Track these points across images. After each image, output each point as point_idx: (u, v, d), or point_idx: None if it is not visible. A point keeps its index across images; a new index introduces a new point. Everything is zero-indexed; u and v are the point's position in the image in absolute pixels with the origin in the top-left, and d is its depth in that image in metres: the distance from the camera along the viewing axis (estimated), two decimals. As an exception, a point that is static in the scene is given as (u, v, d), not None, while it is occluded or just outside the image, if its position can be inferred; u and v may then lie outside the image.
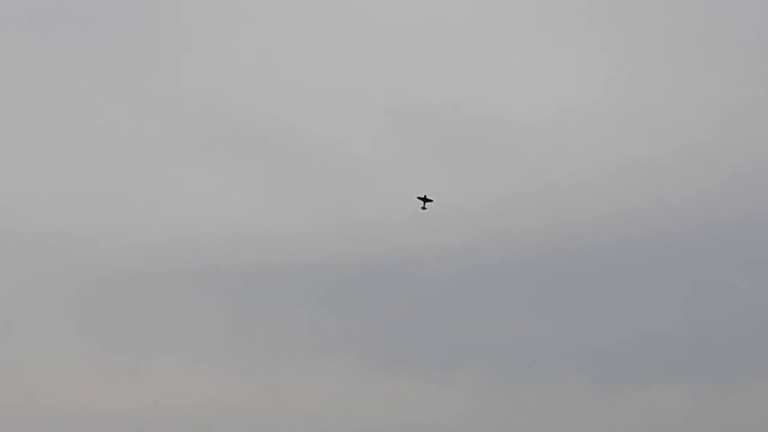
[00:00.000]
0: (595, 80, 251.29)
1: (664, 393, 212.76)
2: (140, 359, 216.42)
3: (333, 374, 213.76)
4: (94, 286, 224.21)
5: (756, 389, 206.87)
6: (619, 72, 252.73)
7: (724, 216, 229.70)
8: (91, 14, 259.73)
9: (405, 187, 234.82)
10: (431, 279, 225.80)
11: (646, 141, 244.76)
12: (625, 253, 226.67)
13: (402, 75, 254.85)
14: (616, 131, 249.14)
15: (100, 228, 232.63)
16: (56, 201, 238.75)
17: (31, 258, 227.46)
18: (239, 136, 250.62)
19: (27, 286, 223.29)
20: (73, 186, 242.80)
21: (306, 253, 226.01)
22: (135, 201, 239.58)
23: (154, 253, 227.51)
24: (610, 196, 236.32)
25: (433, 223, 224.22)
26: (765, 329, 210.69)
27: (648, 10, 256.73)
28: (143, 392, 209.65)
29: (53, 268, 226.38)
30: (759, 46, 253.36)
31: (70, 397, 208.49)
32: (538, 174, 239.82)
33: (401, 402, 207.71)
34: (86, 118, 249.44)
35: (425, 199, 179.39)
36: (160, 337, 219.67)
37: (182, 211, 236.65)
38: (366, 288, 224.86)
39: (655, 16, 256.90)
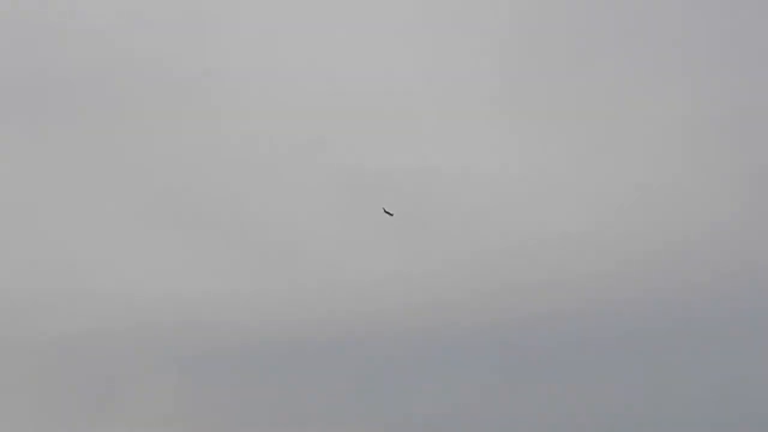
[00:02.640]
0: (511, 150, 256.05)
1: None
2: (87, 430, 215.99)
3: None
4: (43, 355, 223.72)
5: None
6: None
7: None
8: (43, 85, 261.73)
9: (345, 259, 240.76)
10: (366, 353, 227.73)
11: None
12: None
13: (338, 145, 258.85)
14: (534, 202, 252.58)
15: (50, 296, 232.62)
16: (12, 266, 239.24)
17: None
18: (182, 209, 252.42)
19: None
20: (20, 254, 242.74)
21: (251, 325, 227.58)
22: (85, 270, 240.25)
23: (109, 321, 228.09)
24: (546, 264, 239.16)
25: (383, 292, 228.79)
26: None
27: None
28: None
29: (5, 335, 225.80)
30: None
31: None
32: (480, 240, 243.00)
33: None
34: (35, 186, 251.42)
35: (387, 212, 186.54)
36: (107, 407, 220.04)
37: (130, 281, 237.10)
38: (299, 361, 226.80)
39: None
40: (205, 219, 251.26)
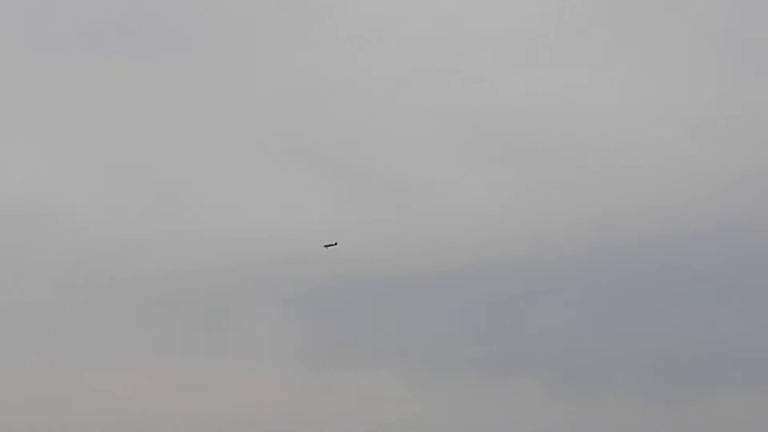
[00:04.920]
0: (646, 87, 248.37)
1: (730, 403, 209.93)
2: (203, 367, 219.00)
3: (383, 383, 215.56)
4: (161, 294, 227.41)
5: None
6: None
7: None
8: (160, 22, 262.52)
9: (463, 196, 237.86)
10: (484, 284, 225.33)
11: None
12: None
13: (455, 82, 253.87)
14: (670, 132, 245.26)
15: (166, 236, 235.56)
16: (124, 209, 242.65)
17: (100, 268, 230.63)
18: (296, 145, 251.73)
19: (97, 294, 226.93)
20: (141, 194, 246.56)
21: (363, 263, 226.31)
22: (205, 209, 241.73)
23: (218, 262, 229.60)
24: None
25: (484, 227, 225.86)
26: None
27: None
28: (203, 400, 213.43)
29: (120, 277, 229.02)
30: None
31: (137, 405, 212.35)
32: (592, 179, 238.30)
33: (451, 411, 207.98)
34: (152, 124, 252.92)
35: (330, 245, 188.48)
36: (220, 344, 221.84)
37: (248, 219, 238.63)
38: (419, 294, 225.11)
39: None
40: (314, 153, 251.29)
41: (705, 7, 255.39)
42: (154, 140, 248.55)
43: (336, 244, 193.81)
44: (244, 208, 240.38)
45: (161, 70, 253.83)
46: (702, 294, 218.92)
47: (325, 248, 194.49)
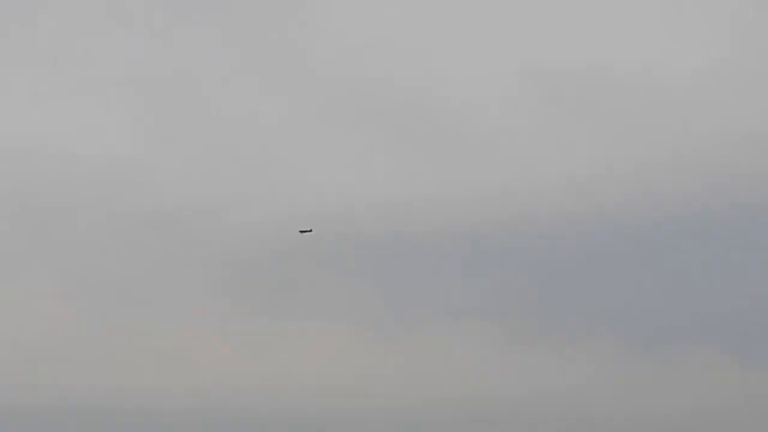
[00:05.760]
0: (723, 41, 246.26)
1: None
2: (284, 327, 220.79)
3: (471, 342, 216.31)
4: (238, 257, 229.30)
5: None
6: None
7: None
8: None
9: (542, 150, 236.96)
10: (567, 245, 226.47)
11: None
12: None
13: (534, 37, 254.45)
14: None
15: (243, 200, 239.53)
16: (198, 176, 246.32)
17: (173, 233, 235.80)
18: (377, 103, 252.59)
19: (169, 260, 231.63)
20: (214, 161, 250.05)
21: (444, 220, 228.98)
22: (279, 173, 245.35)
23: (298, 223, 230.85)
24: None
25: (568, 189, 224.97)
26: None
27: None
28: (284, 360, 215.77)
29: (196, 242, 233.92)
30: None
31: (215, 370, 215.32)
32: (674, 137, 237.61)
33: (536, 370, 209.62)
34: (222, 92, 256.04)
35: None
36: (305, 305, 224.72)
37: (326, 181, 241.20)
38: (503, 255, 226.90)
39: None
40: (394, 115, 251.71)
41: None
42: (222, 108, 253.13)
43: (311, 230, 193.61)
44: (317, 169, 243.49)
45: (225, 39, 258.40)
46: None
47: (301, 233, 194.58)
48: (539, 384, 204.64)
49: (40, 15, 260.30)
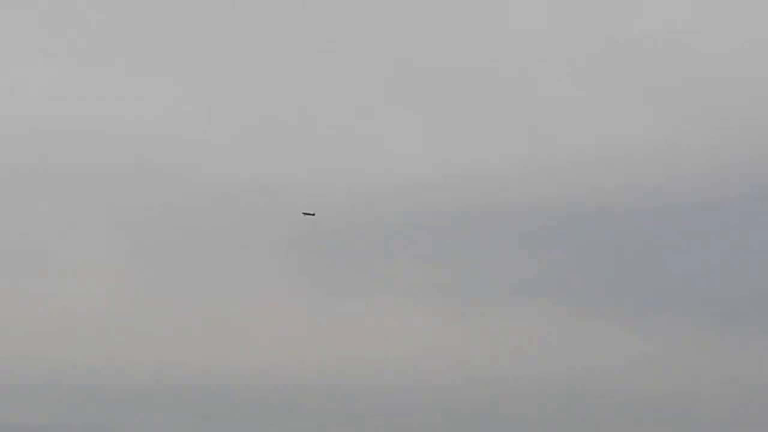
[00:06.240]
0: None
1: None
2: (353, 303, 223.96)
3: (533, 316, 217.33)
4: (311, 234, 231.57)
5: None
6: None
7: None
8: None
9: (605, 125, 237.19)
10: (632, 220, 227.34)
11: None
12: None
13: (599, 9, 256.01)
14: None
15: (318, 176, 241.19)
16: (274, 152, 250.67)
17: (242, 211, 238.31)
18: (439, 79, 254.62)
19: (238, 238, 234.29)
20: (290, 138, 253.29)
21: (508, 194, 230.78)
22: (349, 149, 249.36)
23: (370, 197, 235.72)
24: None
25: (633, 163, 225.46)
26: None
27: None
28: (351, 335, 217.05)
29: (271, 217, 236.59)
30: None
31: (286, 346, 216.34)
32: (743, 111, 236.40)
33: (598, 345, 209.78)
34: (300, 69, 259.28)
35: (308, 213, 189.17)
36: (373, 280, 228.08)
37: (395, 156, 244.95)
38: (567, 230, 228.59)
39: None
40: (464, 93, 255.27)
41: None
42: (298, 86, 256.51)
43: (314, 214, 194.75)
44: (387, 145, 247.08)
45: (301, 19, 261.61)
46: None
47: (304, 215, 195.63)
48: (602, 359, 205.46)
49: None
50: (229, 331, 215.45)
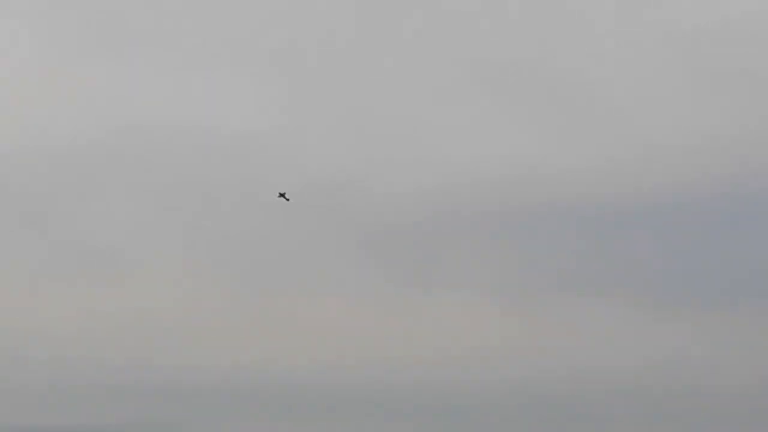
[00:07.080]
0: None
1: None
2: (428, 298, 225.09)
3: (596, 314, 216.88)
4: (382, 230, 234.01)
5: None
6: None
7: None
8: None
9: (669, 121, 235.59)
10: (691, 215, 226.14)
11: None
12: None
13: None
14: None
15: (389, 173, 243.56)
16: (341, 148, 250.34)
17: (317, 206, 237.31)
18: (508, 77, 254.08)
19: (314, 233, 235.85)
20: (357, 132, 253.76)
21: (572, 191, 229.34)
22: (423, 143, 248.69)
23: (437, 195, 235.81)
24: None
25: (691, 159, 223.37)
26: None
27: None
28: (424, 330, 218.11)
29: (342, 214, 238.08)
30: None
31: (362, 342, 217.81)
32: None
33: (657, 341, 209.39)
34: (365, 64, 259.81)
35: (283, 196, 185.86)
36: (441, 275, 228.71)
37: (469, 151, 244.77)
38: (628, 227, 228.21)
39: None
40: (532, 93, 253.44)
41: None
42: (367, 81, 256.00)
43: (288, 199, 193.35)
44: (460, 140, 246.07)
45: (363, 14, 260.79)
46: None
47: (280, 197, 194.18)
48: (661, 355, 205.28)
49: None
50: (303, 329, 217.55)
